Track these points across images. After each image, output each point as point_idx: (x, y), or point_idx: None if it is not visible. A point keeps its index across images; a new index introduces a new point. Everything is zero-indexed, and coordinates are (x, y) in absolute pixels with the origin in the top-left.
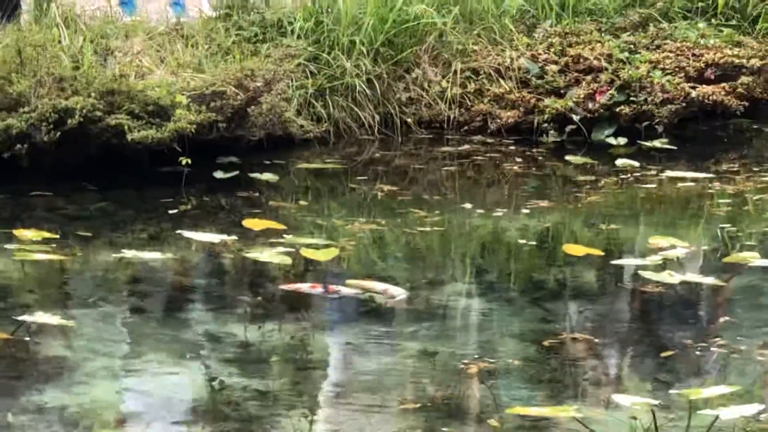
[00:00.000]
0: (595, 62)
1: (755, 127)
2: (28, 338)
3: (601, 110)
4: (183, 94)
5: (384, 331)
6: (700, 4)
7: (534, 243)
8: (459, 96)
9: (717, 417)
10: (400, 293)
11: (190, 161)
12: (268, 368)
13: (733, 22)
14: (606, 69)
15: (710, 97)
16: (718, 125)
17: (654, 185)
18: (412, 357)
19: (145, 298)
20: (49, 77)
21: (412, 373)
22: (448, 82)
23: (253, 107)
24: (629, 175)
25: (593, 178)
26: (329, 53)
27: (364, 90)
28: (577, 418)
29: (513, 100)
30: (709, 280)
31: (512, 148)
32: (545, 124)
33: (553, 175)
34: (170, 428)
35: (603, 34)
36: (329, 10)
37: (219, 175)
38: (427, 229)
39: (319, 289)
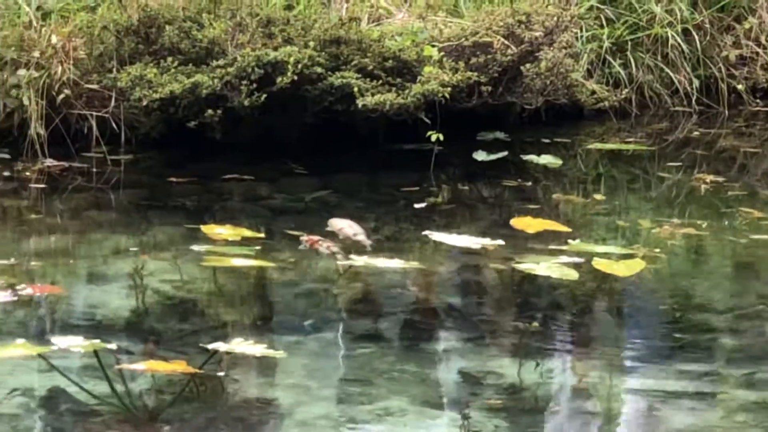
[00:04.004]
0: None
1: None
2: (222, 374)
3: None
4: (433, 46)
5: (704, 372)
6: None
7: None
8: None
9: None
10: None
11: (441, 137)
12: (545, 420)
13: None
14: None
15: None
16: None
17: None
18: (743, 410)
19: (378, 322)
20: (252, 19)
21: None
22: None
23: (528, 65)
24: None
25: None
26: None
27: (679, 44)
28: None
29: None
30: None
31: None
32: None
33: None
34: None
35: None
36: None
37: (480, 156)
38: (764, 236)
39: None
